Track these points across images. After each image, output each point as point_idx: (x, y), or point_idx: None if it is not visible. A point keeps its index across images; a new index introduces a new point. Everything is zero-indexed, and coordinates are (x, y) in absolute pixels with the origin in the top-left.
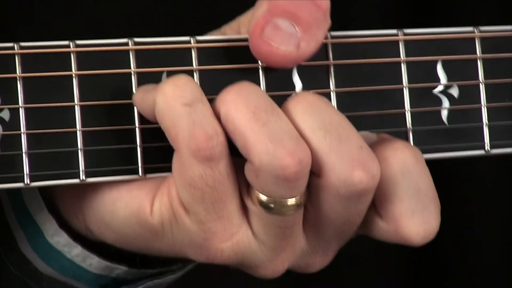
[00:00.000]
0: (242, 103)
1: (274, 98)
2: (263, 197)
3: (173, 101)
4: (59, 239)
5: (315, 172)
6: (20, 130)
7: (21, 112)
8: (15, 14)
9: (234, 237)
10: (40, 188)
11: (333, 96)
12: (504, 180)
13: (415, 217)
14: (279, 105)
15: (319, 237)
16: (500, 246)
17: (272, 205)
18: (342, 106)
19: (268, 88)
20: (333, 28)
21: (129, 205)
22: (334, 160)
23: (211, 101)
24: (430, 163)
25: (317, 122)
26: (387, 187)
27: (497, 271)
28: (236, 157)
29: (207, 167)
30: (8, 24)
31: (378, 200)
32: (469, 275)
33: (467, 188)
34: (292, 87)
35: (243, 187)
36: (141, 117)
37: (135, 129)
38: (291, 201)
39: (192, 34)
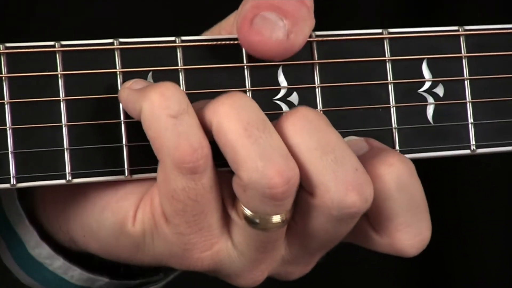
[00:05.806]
0: (235, 117)
1: (266, 101)
2: (249, 212)
3: (159, 111)
4: (41, 251)
5: (309, 191)
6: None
7: (7, 109)
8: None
9: (213, 247)
10: (21, 197)
11: (318, 93)
12: (508, 180)
13: (410, 230)
14: (270, 109)
15: (303, 249)
16: (503, 251)
17: (257, 220)
18: (327, 104)
19: (254, 87)
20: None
21: (115, 214)
22: (329, 181)
23: (202, 107)
24: (430, 165)
25: (314, 142)
26: (383, 203)
27: (500, 278)
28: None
29: (190, 180)
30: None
31: (372, 215)
32: (472, 281)
33: (470, 192)
34: (277, 85)
35: (228, 198)
36: (126, 113)
37: (120, 127)
38: (276, 218)
39: (178, 34)
